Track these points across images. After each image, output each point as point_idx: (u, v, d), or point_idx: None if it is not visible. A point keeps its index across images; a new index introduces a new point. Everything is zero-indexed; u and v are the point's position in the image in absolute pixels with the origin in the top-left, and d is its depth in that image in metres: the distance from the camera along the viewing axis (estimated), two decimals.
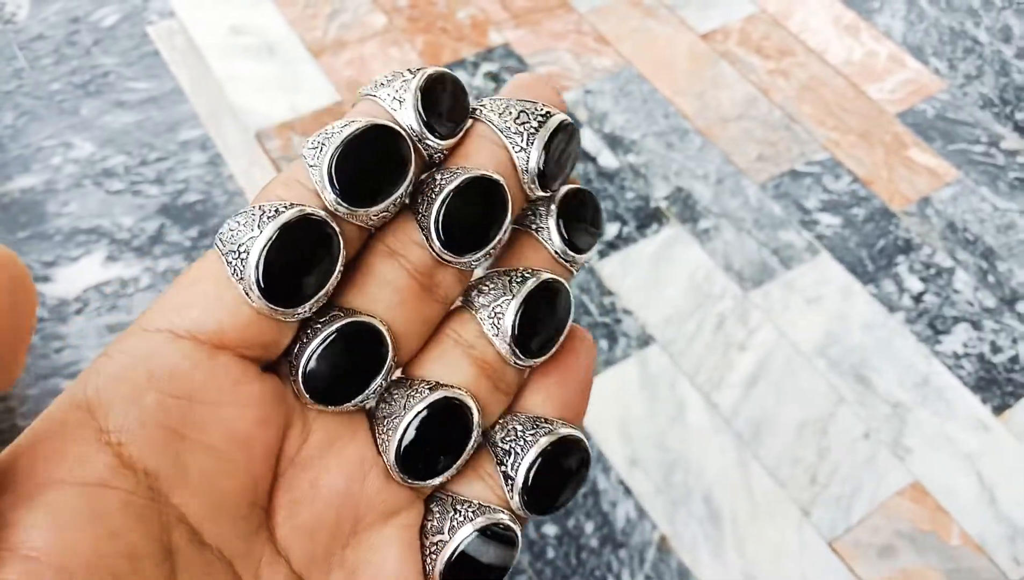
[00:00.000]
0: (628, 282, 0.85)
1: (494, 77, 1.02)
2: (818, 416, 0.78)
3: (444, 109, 0.17)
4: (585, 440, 0.18)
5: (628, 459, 0.74)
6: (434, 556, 0.17)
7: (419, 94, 0.17)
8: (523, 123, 0.18)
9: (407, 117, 0.17)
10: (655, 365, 0.80)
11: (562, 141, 0.18)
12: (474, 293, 0.18)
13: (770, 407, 0.78)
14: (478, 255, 0.17)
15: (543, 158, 0.17)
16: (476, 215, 0.17)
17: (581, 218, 0.19)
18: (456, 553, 0.17)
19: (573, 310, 0.18)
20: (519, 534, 0.17)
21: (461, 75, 1.02)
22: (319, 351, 0.16)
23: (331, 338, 0.16)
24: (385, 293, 0.17)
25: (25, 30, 1.02)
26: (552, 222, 0.18)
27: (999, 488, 0.74)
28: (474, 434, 0.17)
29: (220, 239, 0.16)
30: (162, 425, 0.15)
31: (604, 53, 1.06)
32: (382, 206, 0.16)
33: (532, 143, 0.17)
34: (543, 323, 0.18)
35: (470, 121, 0.18)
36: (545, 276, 0.18)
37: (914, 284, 0.87)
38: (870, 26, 1.12)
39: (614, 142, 0.97)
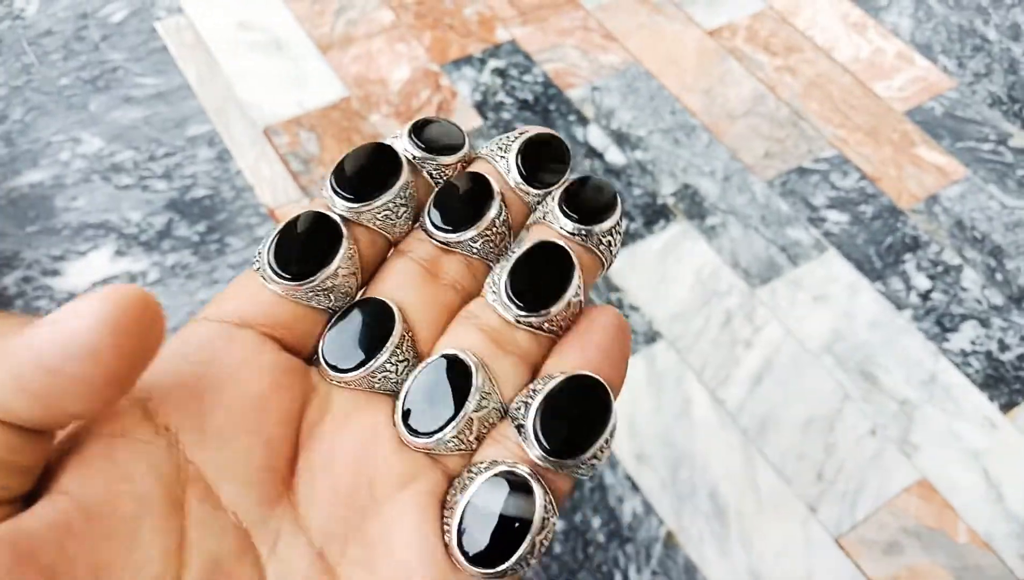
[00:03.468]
0: (635, 278, 0.85)
1: (501, 73, 1.02)
2: (825, 413, 0.78)
3: (439, 139, 0.21)
4: (603, 382, 0.18)
5: (635, 455, 0.74)
6: (449, 521, 0.17)
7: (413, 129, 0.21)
8: (501, 144, 0.21)
9: (401, 145, 0.21)
10: (662, 361, 0.80)
11: (537, 147, 0.21)
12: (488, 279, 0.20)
13: (776, 404, 0.78)
14: (470, 232, 0.19)
15: (519, 160, 0.20)
16: (467, 198, 0.20)
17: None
18: (467, 506, 0.17)
19: (578, 270, 0.19)
20: (534, 483, 0.17)
21: (468, 72, 1.02)
22: (335, 325, 0.19)
23: (346, 313, 0.19)
24: (397, 280, 0.19)
25: (34, 25, 1.03)
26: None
27: (1006, 486, 0.74)
28: (475, 384, 0.18)
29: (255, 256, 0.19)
30: (185, 386, 0.17)
31: (611, 50, 1.06)
32: (380, 203, 0.19)
33: (508, 152, 0.20)
34: (540, 277, 0.19)
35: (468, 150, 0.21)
36: (540, 240, 0.19)
37: (922, 282, 0.87)
38: (878, 24, 1.12)
39: (621, 139, 0.97)
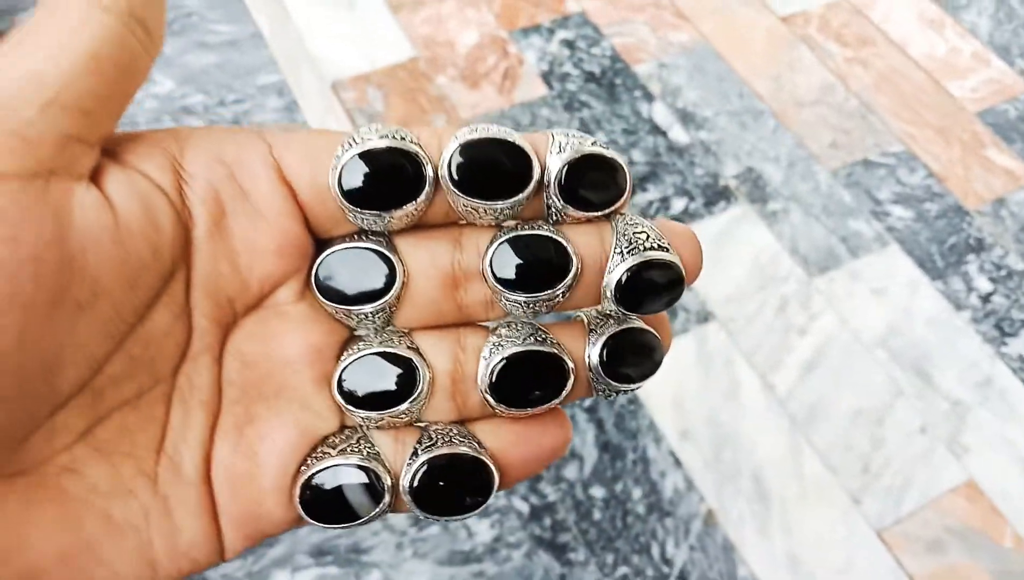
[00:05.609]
0: None
1: (569, 44, 1.02)
2: (875, 406, 0.77)
3: (597, 186, 0.18)
4: (486, 460, 0.18)
5: (680, 431, 0.74)
6: (305, 467, 0.18)
7: (573, 162, 0.18)
8: (631, 244, 0.18)
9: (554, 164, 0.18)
10: (713, 342, 0.79)
11: (655, 274, 0.18)
12: (501, 326, 0.19)
13: (826, 393, 0.77)
14: (540, 295, 0.18)
15: (624, 277, 0.18)
16: (546, 267, 0.18)
17: (627, 361, 0.19)
18: (314, 475, 0.18)
19: (569, 384, 0.18)
20: (383, 484, 0.18)
21: (536, 40, 1.02)
22: (337, 250, 0.18)
23: (349, 245, 0.18)
24: (423, 257, 0.18)
25: None
26: (597, 348, 0.18)
27: None
28: (417, 390, 0.18)
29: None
30: (215, 180, 0.17)
31: (682, 28, 1.05)
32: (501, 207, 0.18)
33: (623, 261, 0.18)
34: (529, 381, 0.18)
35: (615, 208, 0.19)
36: (551, 351, 0.18)
37: (983, 284, 0.85)
38: (955, 22, 1.09)
39: (686, 117, 0.96)
